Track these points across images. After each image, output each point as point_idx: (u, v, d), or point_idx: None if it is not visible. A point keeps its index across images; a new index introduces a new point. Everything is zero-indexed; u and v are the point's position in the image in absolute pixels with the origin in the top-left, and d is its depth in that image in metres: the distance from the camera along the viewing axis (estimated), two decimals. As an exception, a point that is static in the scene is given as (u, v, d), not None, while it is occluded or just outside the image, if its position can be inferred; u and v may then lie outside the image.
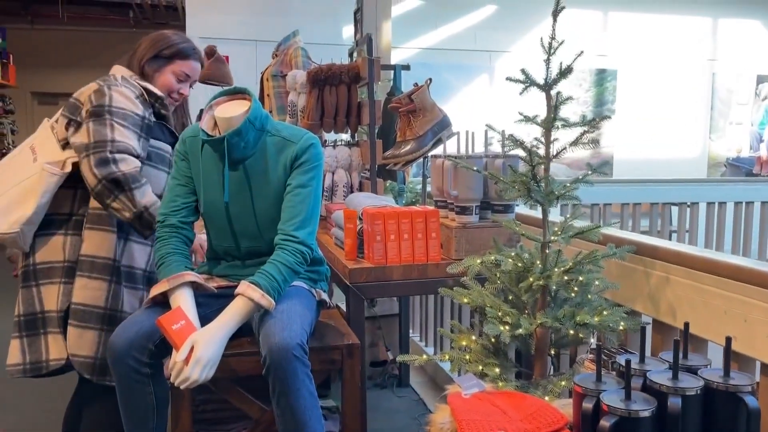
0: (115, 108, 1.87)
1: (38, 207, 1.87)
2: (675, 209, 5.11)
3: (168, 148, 2.05)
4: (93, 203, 1.92)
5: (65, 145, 1.94)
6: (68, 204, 1.94)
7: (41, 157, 1.92)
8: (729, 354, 1.24)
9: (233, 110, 1.82)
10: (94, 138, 1.84)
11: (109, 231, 1.93)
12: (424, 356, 1.88)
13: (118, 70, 2.03)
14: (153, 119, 1.98)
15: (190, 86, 2.15)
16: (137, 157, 1.88)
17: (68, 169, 1.90)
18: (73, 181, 1.92)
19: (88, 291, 1.89)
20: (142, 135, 1.93)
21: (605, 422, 1.15)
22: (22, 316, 1.93)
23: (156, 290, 1.75)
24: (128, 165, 1.84)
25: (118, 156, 1.83)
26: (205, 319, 1.72)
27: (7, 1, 8.56)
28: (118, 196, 1.84)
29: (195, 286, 1.77)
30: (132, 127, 1.89)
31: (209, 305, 1.81)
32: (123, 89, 1.91)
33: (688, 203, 4.99)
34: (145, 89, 1.98)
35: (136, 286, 1.99)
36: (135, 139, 1.89)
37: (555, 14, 1.69)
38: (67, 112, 1.95)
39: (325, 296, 1.99)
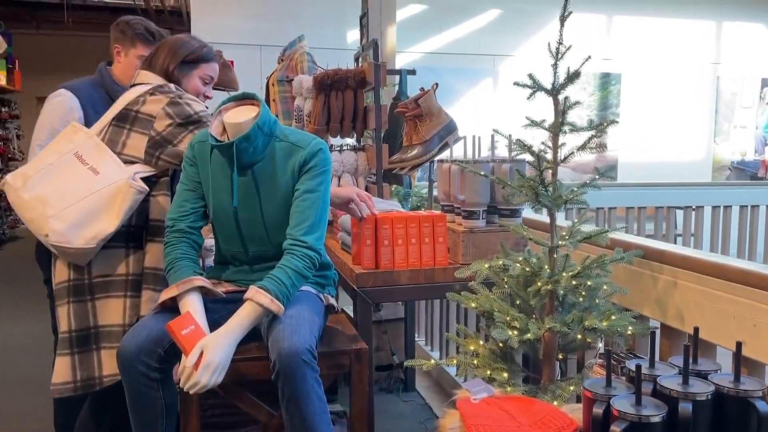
0: (201, 113, 1.95)
1: (120, 224, 1.85)
2: (680, 213, 5.10)
3: None
4: (152, 215, 1.94)
5: (127, 160, 1.92)
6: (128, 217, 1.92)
7: (105, 170, 1.87)
8: (740, 359, 1.24)
9: (242, 116, 1.83)
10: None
11: None
12: (432, 361, 1.88)
13: (150, 77, 2.02)
14: None
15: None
16: None
17: (146, 186, 1.90)
18: None
19: (154, 303, 1.85)
20: None
21: (616, 428, 1.15)
22: (74, 332, 1.87)
23: (165, 295, 1.76)
24: None
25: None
26: (213, 324, 1.73)
27: (14, 7, 8.61)
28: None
29: (204, 291, 1.78)
30: None
31: (218, 310, 1.82)
32: (187, 95, 1.98)
33: (693, 207, 4.98)
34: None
35: None
36: None
37: (562, 19, 1.70)
38: (139, 128, 1.93)
39: (333, 301, 1.99)
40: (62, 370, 1.87)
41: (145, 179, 1.92)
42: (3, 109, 7.88)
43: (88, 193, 1.85)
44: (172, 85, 2.00)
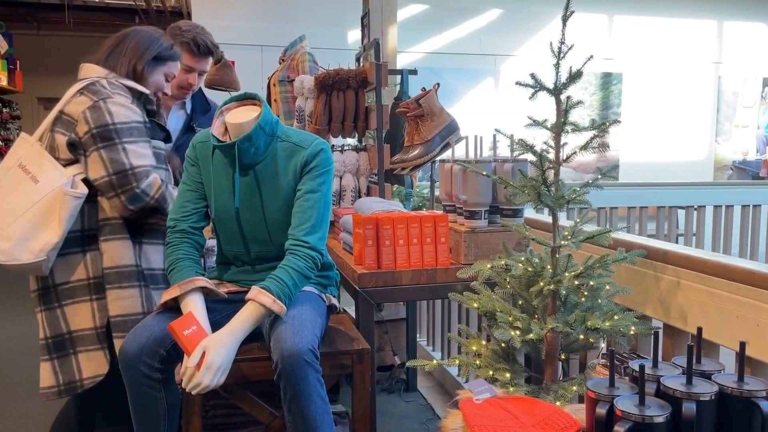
0: (119, 125, 1.83)
1: (63, 232, 1.83)
2: (681, 213, 5.10)
3: (162, 144, 2.04)
4: (102, 215, 1.91)
5: (67, 163, 1.89)
6: (78, 221, 1.90)
7: (44, 178, 1.84)
8: (743, 359, 1.24)
9: (244, 116, 1.82)
10: (113, 169, 1.82)
11: (124, 238, 1.92)
12: (434, 361, 1.88)
13: (93, 70, 1.96)
14: (148, 119, 1.97)
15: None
16: (153, 166, 1.90)
17: (85, 190, 1.86)
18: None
19: (122, 301, 1.88)
20: (149, 140, 1.92)
21: (619, 428, 1.15)
22: (50, 338, 1.91)
23: (167, 295, 1.76)
24: (154, 188, 1.87)
25: (144, 185, 1.84)
26: (215, 324, 1.73)
27: (14, 8, 8.61)
28: (154, 216, 1.92)
29: (206, 292, 1.78)
30: (140, 138, 1.88)
31: (220, 311, 1.82)
32: (117, 98, 1.87)
33: (695, 206, 4.98)
34: (129, 88, 1.94)
35: (159, 286, 2.00)
36: (147, 148, 1.89)
37: (565, 19, 1.69)
38: (62, 129, 1.88)
39: (335, 301, 1.99)
40: (46, 375, 1.91)
41: (87, 180, 1.87)
42: (4, 110, 7.88)
43: (29, 205, 1.82)
44: (104, 82, 1.91)
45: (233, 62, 3.87)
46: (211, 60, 2.48)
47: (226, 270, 1.96)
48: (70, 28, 8.64)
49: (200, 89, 2.54)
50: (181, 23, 2.42)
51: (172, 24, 2.43)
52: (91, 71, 1.96)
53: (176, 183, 2.12)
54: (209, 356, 1.60)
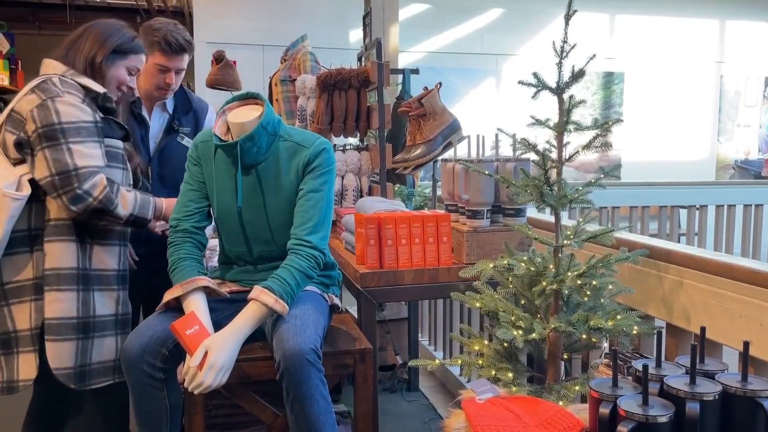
0: (66, 125, 1.77)
1: (5, 234, 1.77)
2: (683, 212, 5.09)
3: (119, 143, 1.96)
4: (49, 215, 1.84)
5: (16, 162, 1.83)
6: (25, 220, 1.83)
7: None
8: (747, 359, 1.23)
9: (246, 115, 1.82)
10: (56, 169, 1.76)
11: (68, 240, 1.85)
12: (437, 361, 1.87)
13: (51, 66, 1.90)
14: (101, 117, 1.88)
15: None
16: (102, 167, 1.83)
17: (28, 191, 1.80)
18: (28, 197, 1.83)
19: (58, 304, 1.82)
20: (100, 140, 1.85)
21: (623, 428, 1.14)
22: None
23: (169, 295, 1.76)
24: (98, 188, 1.80)
25: (87, 186, 1.78)
26: (218, 324, 1.73)
27: (16, 8, 8.61)
28: (102, 218, 1.85)
29: (208, 291, 1.78)
30: (89, 138, 1.81)
31: (222, 310, 1.82)
32: (66, 97, 1.80)
33: (697, 206, 4.97)
34: (85, 87, 1.88)
35: (110, 287, 1.93)
36: (97, 148, 1.83)
37: (567, 18, 1.69)
38: (11, 127, 1.82)
39: (337, 301, 1.99)
40: None
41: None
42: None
43: None
44: (56, 79, 1.84)
45: (235, 62, 3.87)
46: (186, 57, 2.31)
47: (228, 269, 1.96)
48: (71, 28, 8.62)
49: (182, 88, 2.42)
50: (152, 21, 2.32)
51: (145, 23, 2.33)
52: (50, 67, 1.90)
53: (136, 182, 2.06)
54: (211, 356, 1.60)
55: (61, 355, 1.81)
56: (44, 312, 1.82)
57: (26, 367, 1.84)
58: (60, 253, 1.83)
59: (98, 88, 1.89)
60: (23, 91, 1.86)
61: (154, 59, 2.23)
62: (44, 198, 1.84)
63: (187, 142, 2.39)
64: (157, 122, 2.36)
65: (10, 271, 1.85)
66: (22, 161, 1.83)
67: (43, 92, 1.80)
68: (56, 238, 1.84)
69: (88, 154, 1.80)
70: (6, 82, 7.54)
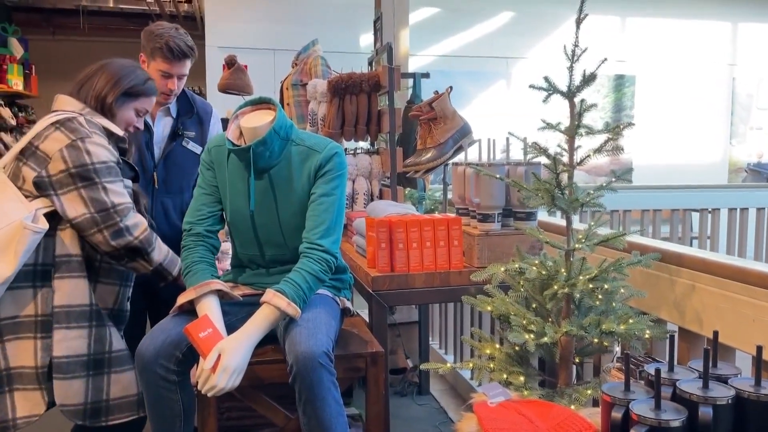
0: (98, 165, 1.80)
1: (17, 266, 1.75)
2: (696, 215, 5.06)
3: (129, 183, 1.97)
4: (59, 251, 1.83)
5: (30, 195, 1.82)
6: (33, 254, 1.80)
7: (4, 208, 1.77)
8: (760, 363, 1.23)
9: (258, 120, 1.84)
10: (95, 207, 1.79)
11: (80, 277, 1.84)
12: (448, 364, 1.88)
13: (67, 103, 1.92)
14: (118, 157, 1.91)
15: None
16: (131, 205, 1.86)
17: (45, 225, 1.78)
18: None
19: (68, 342, 1.80)
20: (122, 179, 1.89)
21: (635, 432, 1.15)
22: None
23: (183, 298, 1.77)
24: (140, 228, 1.84)
25: (129, 223, 1.81)
26: (230, 327, 1.74)
27: (30, 13, 8.70)
28: (135, 259, 1.86)
29: (221, 294, 1.79)
30: (116, 178, 1.84)
31: (235, 313, 1.83)
32: (95, 138, 1.83)
33: (709, 209, 4.94)
34: (105, 128, 1.90)
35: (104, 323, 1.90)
36: (122, 187, 1.85)
37: (578, 22, 1.69)
38: (33, 164, 1.81)
39: (348, 304, 2.00)
40: None
41: (49, 214, 1.81)
42: (20, 115, 7.96)
43: None
44: (82, 119, 1.85)
45: (246, 66, 3.90)
46: (188, 62, 2.30)
47: (240, 273, 1.98)
48: (84, 33, 8.72)
49: (184, 92, 2.41)
50: (153, 27, 2.31)
51: (146, 28, 2.31)
52: (65, 103, 1.91)
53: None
54: (225, 359, 1.61)
55: (68, 392, 1.80)
56: (53, 350, 1.79)
57: (28, 405, 1.81)
58: (73, 290, 1.82)
59: (117, 130, 1.93)
60: (42, 126, 1.85)
61: (156, 65, 2.24)
62: (54, 233, 1.83)
63: (192, 146, 2.39)
64: (160, 127, 2.36)
65: (10, 307, 1.80)
66: (37, 196, 1.82)
67: (72, 132, 1.81)
68: (69, 274, 1.83)
69: (120, 192, 1.84)
70: (20, 87, 7.62)
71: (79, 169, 1.78)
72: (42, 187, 1.81)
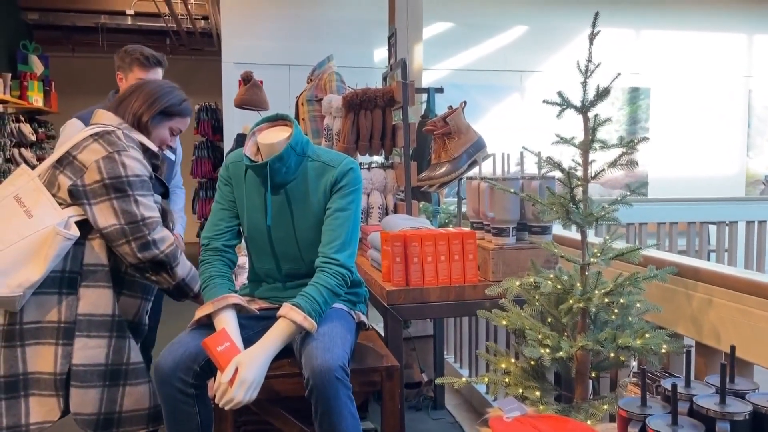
0: (132, 177, 1.84)
1: (46, 271, 1.77)
2: (713, 228, 5.02)
3: (159, 198, 2.01)
4: (87, 260, 1.86)
5: (63, 203, 1.86)
6: (61, 262, 1.83)
7: (39, 214, 1.81)
8: (778, 378, 1.22)
9: (275, 136, 1.87)
10: (125, 219, 1.82)
11: (106, 287, 1.87)
12: (463, 379, 1.88)
13: (106, 117, 1.97)
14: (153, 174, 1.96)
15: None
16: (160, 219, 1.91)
17: (77, 232, 1.82)
18: None
19: (87, 351, 1.82)
20: (153, 194, 1.93)
21: (652, 447, 1.14)
22: (3, 377, 1.82)
23: (201, 312, 1.80)
24: (166, 243, 1.88)
25: (157, 237, 1.85)
26: (247, 340, 1.76)
27: (50, 31, 8.88)
28: (159, 272, 1.89)
29: (238, 308, 1.81)
30: (148, 192, 1.89)
31: (252, 327, 1.85)
32: (131, 152, 1.88)
33: (727, 222, 4.90)
34: (141, 143, 1.95)
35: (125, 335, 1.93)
36: (153, 202, 1.90)
37: (591, 38, 1.70)
38: (69, 173, 1.85)
39: (364, 318, 2.01)
40: None
41: (80, 222, 1.84)
42: (40, 130, 8.10)
43: (18, 239, 1.77)
44: (120, 133, 1.91)
45: (261, 82, 3.95)
46: (161, 71, 2.59)
47: (257, 287, 2.00)
48: (103, 50, 8.86)
49: None
50: (124, 48, 2.62)
51: (120, 50, 2.62)
52: (104, 117, 1.96)
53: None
54: (242, 372, 1.63)
55: (84, 401, 1.82)
56: (72, 358, 1.82)
57: (43, 411, 1.82)
58: (97, 300, 1.85)
59: (152, 146, 1.98)
60: (80, 138, 1.90)
61: (134, 75, 2.50)
62: (83, 242, 1.86)
63: (169, 153, 2.42)
64: None
65: (34, 312, 1.82)
66: (69, 204, 1.86)
67: (109, 144, 1.86)
68: (95, 284, 1.86)
69: (150, 206, 1.88)
70: (40, 103, 7.76)
71: (114, 180, 1.83)
72: (76, 196, 1.85)
